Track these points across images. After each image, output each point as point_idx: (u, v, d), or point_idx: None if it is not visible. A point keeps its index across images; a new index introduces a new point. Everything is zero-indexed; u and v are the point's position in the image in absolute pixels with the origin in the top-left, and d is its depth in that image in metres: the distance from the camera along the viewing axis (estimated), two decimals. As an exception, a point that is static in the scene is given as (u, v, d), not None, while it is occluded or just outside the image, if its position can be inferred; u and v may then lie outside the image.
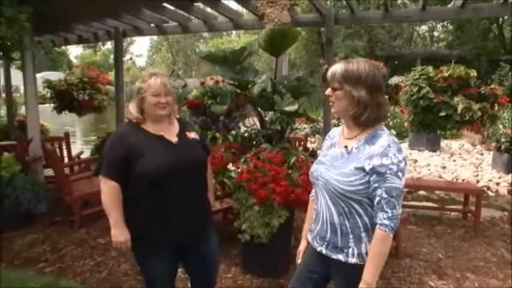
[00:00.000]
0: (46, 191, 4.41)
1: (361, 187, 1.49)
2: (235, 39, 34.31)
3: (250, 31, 27.57)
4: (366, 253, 1.55)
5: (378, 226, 1.48)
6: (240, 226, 3.00)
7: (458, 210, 4.78)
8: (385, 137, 1.50)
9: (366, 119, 1.51)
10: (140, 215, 1.91)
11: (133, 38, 46.17)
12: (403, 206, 4.61)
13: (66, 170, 5.01)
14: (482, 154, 8.93)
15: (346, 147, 1.59)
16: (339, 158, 1.60)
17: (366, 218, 1.54)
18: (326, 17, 4.75)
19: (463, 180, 6.87)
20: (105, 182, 1.88)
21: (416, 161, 8.35)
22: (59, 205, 4.48)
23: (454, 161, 8.37)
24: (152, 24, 6.12)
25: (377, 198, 1.46)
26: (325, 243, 1.65)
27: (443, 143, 9.86)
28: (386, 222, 1.46)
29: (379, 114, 1.53)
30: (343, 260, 1.59)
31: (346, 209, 1.56)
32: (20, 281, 3.01)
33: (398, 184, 1.44)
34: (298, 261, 1.88)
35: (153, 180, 1.85)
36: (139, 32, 6.38)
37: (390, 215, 1.45)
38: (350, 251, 1.57)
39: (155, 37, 43.69)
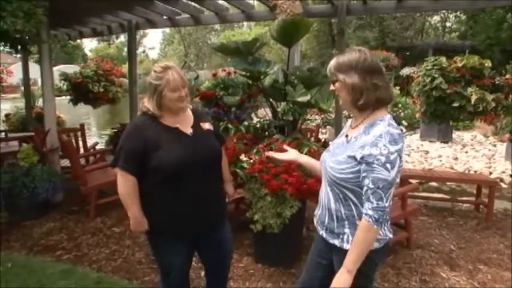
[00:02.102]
0: (63, 181, 4.51)
1: (351, 175, 1.52)
2: (246, 31, 34.22)
3: (261, 23, 27.47)
4: None
5: (363, 215, 1.49)
6: (252, 216, 3.03)
7: (470, 201, 4.75)
8: (381, 127, 1.50)
9: (365, 102, 1.53)
10: (156, 206, 1.94)
11: (146, 31, 46.44)
12: (414, 197, 4.61)
13: (82, 161, 5.11)
14: (495, 145, 8.82)
15: (347, 136, 1.64)
16: (340, 146, 1.66)
17: (360, 207, 1.56)
18: (338, 7, 4.71)
19: (475, 171, 6.81)
20: (122, 174, 1.89)
21: (427, 152, 8.29)
22: (75, 195, 4.57)
23: (466, 152, 8.29)
24: (164, 17, 6.16)
25: (364, 188, 1.48)
26: (324, 228, 1.72)
27: (455, 134, 9.77)
28: (370, 212, 1.46)
29: (380, 96, 1.53)
30: (338, 245, 1.63)
31: (341, 195, 1.60)
32: (39, 268, 3.11)
33: (386, 176, 1.43)
34: None
35: (169, 173, 1.87)
36: (152, 25, 6.42)
37: (375, 205, 1.45)
38: (345, 237, 1.61)
39: (167, 30, 44.00)
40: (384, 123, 1.51)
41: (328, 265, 1.78)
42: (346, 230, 1.61)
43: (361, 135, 1.55)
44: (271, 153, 2.09)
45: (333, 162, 1.60)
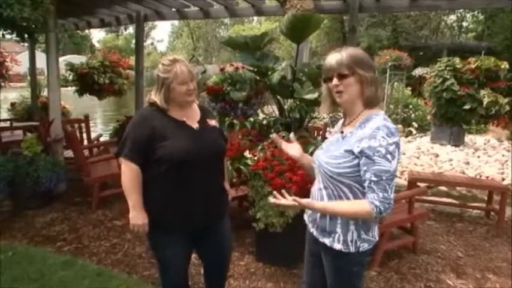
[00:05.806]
0: (66, 172, 4.50)
1: (349, 170, 1.50)
2: (256, 26, 34.17)
3: (272, 18, 27.36)
4: (352, 241, 1.57)
5: (369, 203, 1.45)
6: (255, 214, 2.99)
7: (480, 208, 4.63)
8: (377, 120, 1.50)
9: (378, 97, 1.56)
10: (158, 199, 1.92)
11: (155, 23, 46.68)
12: (422, 201, 4.53)
13: (85, 152, 5.09)
14: (509, 151, 8.62)
15: (342, 132, 1.63)
16: (335, 143, 1.65)
17: None
18: (350, 4, 4.63)
19: (487, 177, 6.66)
20: (126, 164, 1.88)
21: (437, 155, 8.14)
22: (78, 186, 4.58)
23: (478, 157, 8.11)
24: (173, 9, 6.12)
25: (366, 182, 1.46)
26: (316, 226, 1.70)
27: (468, 138, 9.57)
28: (377, 203, 1.43)
29: (381, 94, 1.59)
30: (328, 244, 1.62)
31: (335, 192, 1.58)
32: (40, 257, 3.11)
33: (388, 167, 1.43)
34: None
35: (174, 165, 1.84)
36: (161, 17, 6.39)
37: (381, 197, 1.43)
38: (336, 236, 1.59)
39: (176, 23, 44.09)
40: (379, 117, 1.52)
41: (316, 261, 1.78)
42: (338, 230, 1.59)
43: (356, 129, 1.54)
44: (275, 136, 1.98)
45: (328, 157, 1.58)
